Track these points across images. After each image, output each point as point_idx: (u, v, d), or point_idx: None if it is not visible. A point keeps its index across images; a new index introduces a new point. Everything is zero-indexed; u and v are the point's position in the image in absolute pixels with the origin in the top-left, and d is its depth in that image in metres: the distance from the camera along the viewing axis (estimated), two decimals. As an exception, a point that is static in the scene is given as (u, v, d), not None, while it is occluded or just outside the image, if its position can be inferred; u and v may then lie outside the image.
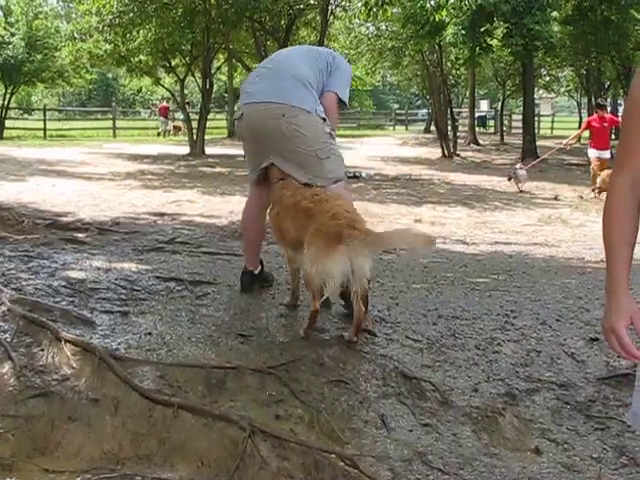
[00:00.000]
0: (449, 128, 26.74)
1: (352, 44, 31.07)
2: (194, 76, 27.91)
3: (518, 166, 16.89)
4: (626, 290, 2.03)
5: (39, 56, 32.42)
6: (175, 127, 37.99)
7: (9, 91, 32.99)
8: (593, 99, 36.82)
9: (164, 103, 39.19)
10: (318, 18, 21.57)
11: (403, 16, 21.86)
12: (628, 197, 2.02)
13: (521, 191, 15.49)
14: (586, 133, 16.26)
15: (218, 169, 18.15)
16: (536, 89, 36.17)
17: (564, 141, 17.13)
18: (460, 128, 33.79)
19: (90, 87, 55.18)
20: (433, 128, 33.78)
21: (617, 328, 2.01)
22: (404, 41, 27.04)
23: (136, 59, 25.40)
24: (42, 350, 3.71)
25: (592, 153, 15.28)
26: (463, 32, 21.12)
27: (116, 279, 5.27)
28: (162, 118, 38.32)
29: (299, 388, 3.67)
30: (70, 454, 3.11)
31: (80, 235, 7.14)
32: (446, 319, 4.86)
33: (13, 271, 5.18)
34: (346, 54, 30.45)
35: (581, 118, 39.69)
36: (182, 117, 29.89)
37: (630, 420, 2.24)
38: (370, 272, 4.23)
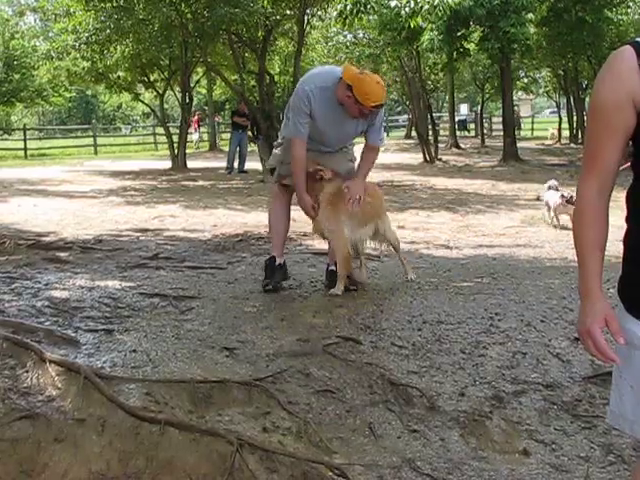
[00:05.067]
0: (430, 133, 26.81)
1: (330, 53, 31.17)
2: (173, 90, 27.86)
3: (560, 194, 10.29)
4: (599, 293, 2.05)
5: (17, 76, 32.34)
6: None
7: (-12, 112, 32.91)
8: (572, 99, 37.10)
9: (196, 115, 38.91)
10: (295, 28, 21.58)
11: (379, 23, 21.94)
12: (596, 202, 2.05)
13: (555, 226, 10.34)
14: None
15: (200, 182, 18.12)
16: (515, 91, 36.38)
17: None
18: (441, 132, 33.93)
19: (70, 105, 55.02)
20: (414, 134, 33.90)
21: (592, 331, 2.03)
22: (381, 48, 27.15)
23: (114, 75, 25.33)
24: (26, 372, 3.69)
25: None
26: (439, 37, 21.21)
27: (100, 297, 5.26)
28: (194, 130, 38.12)
29: (286, 399, 3.67)
30: (58, 475, 3.09)
31: (63, 254, 7.11)
32: (431, 324, 4.87)
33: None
34: (325, 63, 30.56)
35: (561, 119, 39.94)
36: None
37: (608, 418, 2.25)
38: None
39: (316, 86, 5.40)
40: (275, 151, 6.00)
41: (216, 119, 39.40)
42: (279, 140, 5.94)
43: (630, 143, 2.01)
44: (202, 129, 40.41)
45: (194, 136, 37.86)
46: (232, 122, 22.58)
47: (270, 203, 5.84)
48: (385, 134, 5.94)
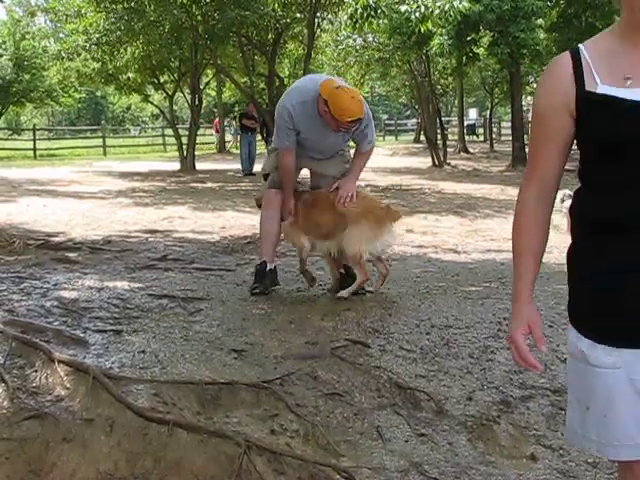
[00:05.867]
0: (439, 137, 26.80)
1: (340, 56, 31.12)
2: (183, 92, 27.93)
3: None
4: (527, 299, 2.03)
5: (27, 76, 32.46)
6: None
7: (-2, 112, 33.02)
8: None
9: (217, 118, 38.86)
10: (305, 31, 21.61)
11: (389, 27, 21.93)
12: (534, 208, 2.02)
13: None
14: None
15: (209, 184, 18.15)
16: (524, 96, 36.31)
17: None
18: (450, 137, 33.89)
19: (79, 106, 55.17)
20: (423, 138, 33.86)
21: (514, 336, 2.02)
22: (391, 52, 27.08)
23: (124, 77, 25.40)
24: (35, 371, 3.70)
25: None
26: (449, 42, 21.21)
27: (109, 298, 5.27)
28: (215, 132, 38.10)
29: (294, 402, 3.68)
30: (66, 475, 3.10)
31: (72, 255, 7.13)
32: (439, 328, 4.87)
33: (5, 292, 5.18)
34: (334, 66, 30.58)
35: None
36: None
37: (565, 435, 2.16)
38: None
39: (297, 101, 5.46)
40: (269, 157, 6.05)
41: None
42: (273, 146, 5.98)
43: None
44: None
45: (214, 138, 37.88)
46: (241, 125, 22.56)
47: (263, 208, 5.86)
48: (375, 135, 5.97)
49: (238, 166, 22.18)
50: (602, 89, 1.84)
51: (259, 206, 6.06)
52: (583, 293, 1.98)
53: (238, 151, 24.40)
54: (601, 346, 1.93)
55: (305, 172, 6.10)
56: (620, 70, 1.83)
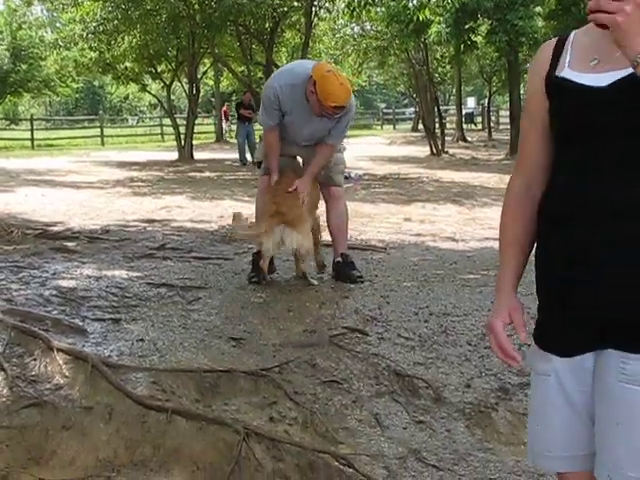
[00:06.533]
0: (437, 126, 26.76)
1: (337, 45, 31.06)
2: (180, 82, 27.85)
3: None
4: (510, 288, 1.95)
5: (24, 66, 32.35)
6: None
7: (-5, 102, 32.94)
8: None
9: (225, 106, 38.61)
10: (302, 20, 21.55)
11: (387, 15, 21.88)
12: (521, 198, 1.94)
13: None
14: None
15: (207, 174, 18.13)
16: (522, 84, 36.27)
17: None
18: (448, 125, 33.85)
19: (77, 96, 55.05)
20: (421, 126, 33.83)
21: (493, 325, 1.93)
22: (389, 40, 27.03)
23: (122, 66, 25.33)
24: (34, 360, 3.71)
25: None
26: (447, 30, 21.16)
27: (107, 287, 5.27)
28: (224, 120, 37.85)
29: (292, 390, 3.69)
30: (65, 463, 3.12)
31: (70, 244, 7.13)
32: (437, 316, 4.88)
33: (3, 282, 5.18)
34: (332, 55, 30.51)
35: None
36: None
37: (529, 458, 2.01)
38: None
39: (286, 83, 5.45)
40: (262, 144, 6.06)
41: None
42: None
43: None
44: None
45: (224, 125, 37.66)
46: (238, 115, 22.45)
47: (258, 195, 5.88)
48: (347, 141, 5.94)
49: (236, 155, 22.14)
50: (564, 72, 1.81)
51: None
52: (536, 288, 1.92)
53: (235, 140, 24.26)
54: (539, 350, 1.88)
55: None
56: (590, 55, 1.80)
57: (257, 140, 19.64)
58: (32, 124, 35.01)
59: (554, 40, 1.92)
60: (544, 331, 1.87)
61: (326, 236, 6.04)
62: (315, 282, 5.67)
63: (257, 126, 21.65)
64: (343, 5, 17.56)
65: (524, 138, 1.97)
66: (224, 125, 37.23)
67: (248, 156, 21.22)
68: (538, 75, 1.89)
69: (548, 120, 1.86)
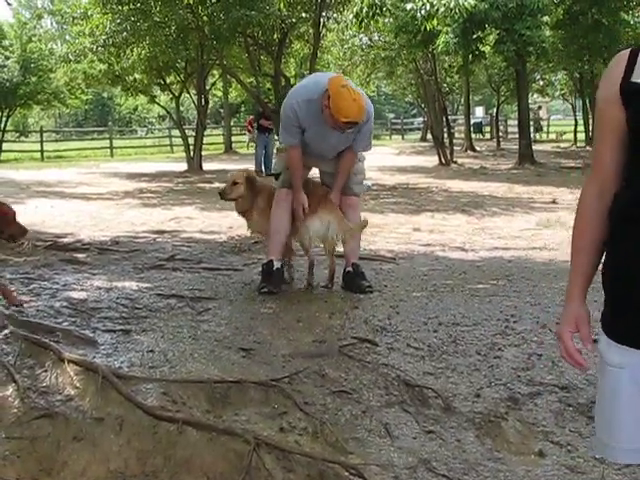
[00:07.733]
0: (445, 136, 26.77)
1: (346, 55, 31.13)
2: (189, 93, 27.96)
3: None
4: (578, 296, 2.02)
5: (34, 78, 32.47)
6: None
7: (5, 114, 32.99)
8: (588, 102, 36.93)
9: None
10: (311, 31, 21.60)
11: (395, 26, 21.92)
12: (595, 205, 1.99)
13: None
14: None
15: (216, 184, 18.13)
16: (530, 94, 36.24)
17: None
18: (456, 135, 33.85)
19: (86, 107, 55.22)
20: (429, 136, 33.85)
21: (561, 333, 2.02)
22: (397, 51, 27.07)
23: (131, 78, 25.47)
24: (45, 371, 3.73)
25: None
26: (455, 40, 21.18)
27: (117, 298, 5.30)
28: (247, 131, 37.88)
29: (302, 400, 3.69)
30: (76, 474, 3.12)
31: (80, 255, 7.16)
32: (447, 326, 4.88)
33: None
34: (340, 65, 30.57)
35: (576, 121, 39.78)
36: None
37: (595, 449, 2.16)
38: None
39: (303, 99, 5.49)
40: (279, 156, 6.07)
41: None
42: (281, 145, 6.03)
43: None
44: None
45: (247, 136, 37.67)
46: (258, 125, 22.37)
47: (273, 207, 5.88)
48: (370, 145, 5.96)
49: (245, 166, 22.14)
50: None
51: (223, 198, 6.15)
52: (606, 286, 1.97)
53: (245, 151, 24.27)
54: (614, 343, 1.94)
55: (315, 171, 6.13)
56: None
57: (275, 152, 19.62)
58: (42, 136, 35.15)
59: (624, 52, 1.97)
60: (621, 326, 1.92)
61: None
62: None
63: (276, 137, 21.75)
64: (351, 16, 17.58)
65: (598, 147, 2.02)
66: (248, 135, 37.30)
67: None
68: (610, 85, 1.94)
69: (622, 129, 1.91)
